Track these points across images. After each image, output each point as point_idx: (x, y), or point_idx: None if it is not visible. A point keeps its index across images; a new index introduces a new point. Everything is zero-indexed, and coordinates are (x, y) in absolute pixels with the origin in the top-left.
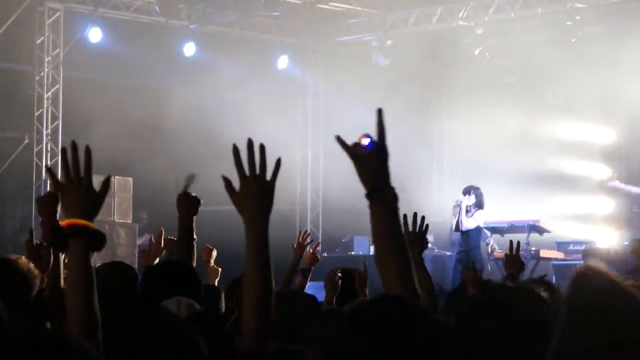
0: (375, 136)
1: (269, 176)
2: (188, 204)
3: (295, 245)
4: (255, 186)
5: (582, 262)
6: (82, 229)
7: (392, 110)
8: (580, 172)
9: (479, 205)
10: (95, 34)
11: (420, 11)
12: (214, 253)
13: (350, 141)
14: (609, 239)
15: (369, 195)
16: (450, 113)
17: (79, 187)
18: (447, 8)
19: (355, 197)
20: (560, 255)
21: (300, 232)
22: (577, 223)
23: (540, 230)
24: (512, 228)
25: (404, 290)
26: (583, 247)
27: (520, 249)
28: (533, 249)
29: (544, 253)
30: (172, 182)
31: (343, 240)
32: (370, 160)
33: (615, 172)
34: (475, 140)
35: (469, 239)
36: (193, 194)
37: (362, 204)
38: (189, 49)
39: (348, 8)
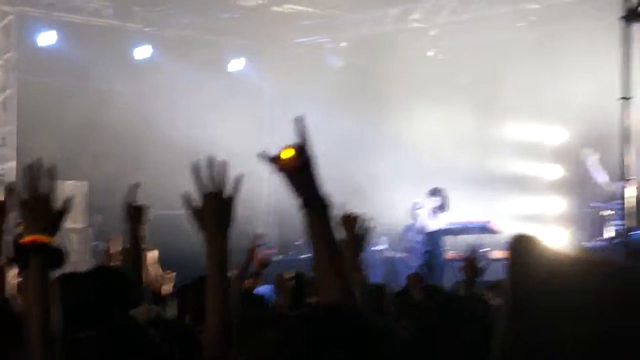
0: (297, 146)
1: (229, 192)
2: (134, 213)
3: (247, 248)
4: (214, 202)
5: None
6: (42, 245)
7: (347, 111)
8: (532, 172)
9: (444, 207)
10: (49, 37)
11: (374, 12)
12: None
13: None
14: (560, 239)
15: (300, 206)
16: (404, 114)
17: (41, 204)
18: (401, 9)
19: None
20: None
21: (254, 235)
22: (529, 223)
23: (492, 231)
24: (464, 229)
25: (338, 293)
26: None
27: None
28: (485, 250)
29: (495, 254)
30: (126, 185)
31: (297, 242)
32: (297, 171)
33: (569, 170)
34: (429, 141)
35: (433, 240)
36: (138, 203)
37: None
38: (144, 52)
39: (302, 10)
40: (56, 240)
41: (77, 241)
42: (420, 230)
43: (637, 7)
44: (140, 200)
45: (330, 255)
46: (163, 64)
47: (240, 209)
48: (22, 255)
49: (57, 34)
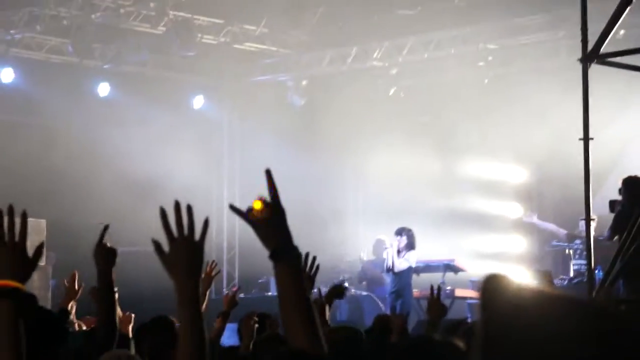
0: (268, 198)
1: (197, 236)
2: (105, 255)
3: (202, 276)
4: (184, 248)
5: None
6: (14, 290)
7: (309, 150)
8: (494, 211)
9: (411, 246)
10: (7, 75)
11: (335, 51)
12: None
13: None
14: (522, 277)
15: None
16: (366, 152)
17: (13, 251)
18: (362, 48)
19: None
20: (475, 294)
21: (207, 262)
22: (491, 261)
23: (456, 270)
24: (428, 267)
25: (309, 343)
26: None
27: (424, 288)
28: (448, 288)
29: (459, 292)
30: (82, 224)
31: (260, 280)
32: (269, 223)
33: (530, 208)
34: (391, 179)
35: (401, 279)
36: (109, 245)
37: None
38: (103, 89)
39: (263, 48)
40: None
41: (37, 279)
42: (388, 270)
43: (595, 48)
44: (106, 241)
45: (299, 305)
46: (121, 100)
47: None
48: None
49: (15, 71)
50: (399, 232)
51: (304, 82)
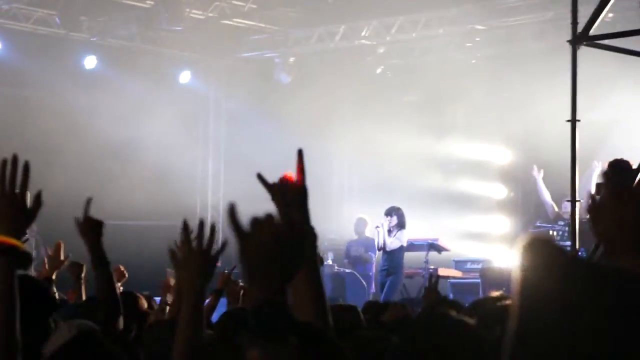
0: (295, 176)
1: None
2: (92, 228)
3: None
4: (200, 259)
5: (479, 280)
6: (10, 247)
7: (294, 127)
8: (479, 191)
9: (401, 225)
10: None
11: (323, 29)
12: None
13: (252, 156)
14: (505, 258)
15: None
16: (352, 130)
17: (12, 203)
18: (350, 27)
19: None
20: (458, 273)
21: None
22: (475, 242)
23: (439, 249)
24: (412, 246)
25: (315, 317)
26: (480, 266)
27: (419, 267)
28: (432, 267)
29: (442, 271)
30: (70, 195)
31: None
32: (291, 199)
33: (515, 189)
34: (377, 157)
35: (393, 258)
36: (94, 218)
37: None
38: (90, 62)
39: (251, 24)
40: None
41: None
42: (380, 249)
43: (584, 31)
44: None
45: (310, 281)
46: (108, 74)
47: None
48: None
49: (2, 42)
50: (389, 212)
51: (291, 59)
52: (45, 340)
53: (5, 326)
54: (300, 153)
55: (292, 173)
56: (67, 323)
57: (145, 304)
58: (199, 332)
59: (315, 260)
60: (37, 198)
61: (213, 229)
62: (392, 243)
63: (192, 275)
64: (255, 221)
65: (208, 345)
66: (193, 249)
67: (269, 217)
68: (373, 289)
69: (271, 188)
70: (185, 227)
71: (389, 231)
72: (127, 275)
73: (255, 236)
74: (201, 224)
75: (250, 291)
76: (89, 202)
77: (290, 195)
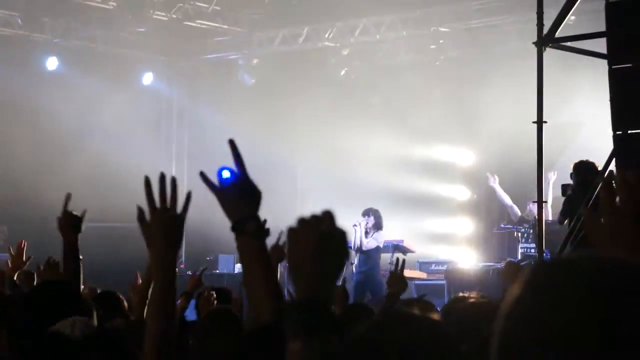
0: (234, 167)
1: (179, 210)
2: (71, 223)
3: None
4: (166, 218)
5: (444, 282)
6: None
7: (257, 129)
8: (443, 193)
9: (378, 226)
10: None
11: (286, 31)
12: None
13: (215, 158)
14: (469, 259)
15: (233, 228)
16: (316, 132)
17: (166, 217)
18: (314, 28)
19: (220, 215)
20: (422, 275)
21: None
22: (439, 243)
23: (404, 250)
24: (377, 248)
25: (269, 314)
26: (444, 267)
27: (384, 269)
28: (393, 267)
29: (406, 273)
30: (32, 196)
31: (208, 258)
32: (233, 193)
33: (478, 192)
34: (341, 160)
35: (369, 259)
36: (74, 213)
37: (227, 222)
38: (52, 63)
39: (215, 26)
40: None
41: None
42: (357, 250)
43: (550, 32)
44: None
45: (262, 277)
46: (70, 75)
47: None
48: None
49: None
50: (366, 212)
51: (254, 61)
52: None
53: None
54: (232, 143)
55: (226, 168)
56: (69, 320)
57: (126, 305)
58: (171, 313)
59: (263, 255)
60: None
61: (174, 183)
62: (369, 243)
63: (160, 241)
64: (302, 222)
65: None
66: (156, 209)
67: (314, 218)
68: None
69: (212, 187)
70: (147, 183)
71: (366, 232)
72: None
73: (301, 236)
74: (162, 179)
75: (295, 288)
76: (68, 197)
77: (229, 190)
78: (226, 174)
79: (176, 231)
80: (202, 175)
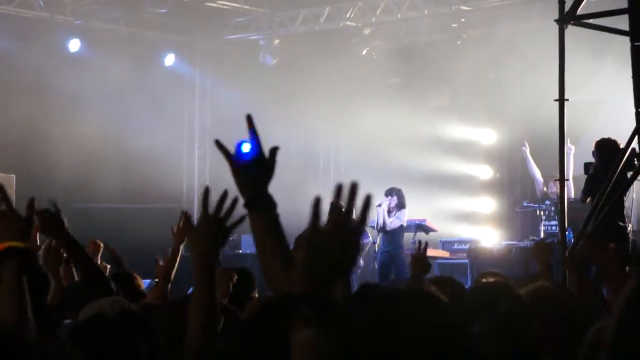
0: (250, 143)
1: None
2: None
3: (175, 230)
4: (215, 225)
5: (466, 260)
6: (18, 250)
7: (279, 109)
8: (464, 172)
9: (401, 205)
10: None
11: (308, 11)
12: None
13: (235, 140)
14: (491, 238)
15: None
16: (337, 112)
17: (212, 223)
18: (335, 8)
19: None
20: (445, 254)
21: (180, 217)
22: (462, 222)
23: (427, 230)
24: (400, 227)
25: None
26: (467, 246)
27: (407, 248)
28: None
29: (429, 252)
30: (55, 178)
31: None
32: (249, 169)
33: (500, 170)
34: (363, 139)
35: (393, 239)
36: (41, 209)
37: None
38: (74, 45)
39: (236, 7)
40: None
41: None
42: (379, 230)
43: (572, 10)
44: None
45: (276, 253)
46: (92, 57)
47: (175, 203)
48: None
49: None
50: (389, 192)
51: (276, 42)
52: None
53: (23, 324)
54: (249, 118)
55: (244, 143)
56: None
57: (142, 284)
58: (213, 298)
59: (277, 231)
60: (30, 206)
61: (235, 202)
62: (392, 223)
63: (205, 239)
64: (335, 218)
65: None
66: (209, 215)
67: (340, 214)
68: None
69: (229, 158)
70: (206, 192)
71: (389, 211)
72: (102, 247)
73: (326, 235)
74: (223, 196)
75: (303, 279)
76: (31, 201)
77: (245, 166)
78: (246, 147)
79: (222, 237)
80: (218, 143)
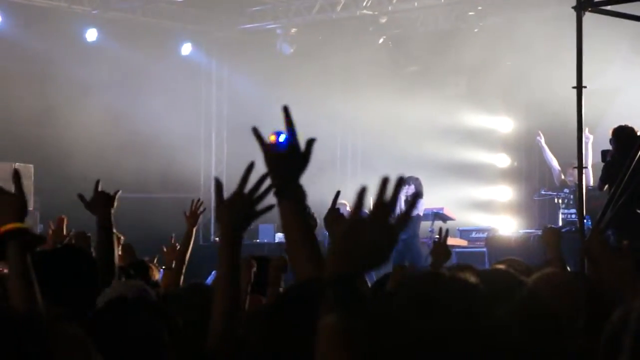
0: (286, 134)
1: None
2: (102, 202)
3: (187, 214)
4: (247, 203)
5: (484, 249)
6: (20, 230)
7: (296, 98)
8: (482, 160)
9: (419, 194)
10: None
11: None
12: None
13: (254, 125)
14: (509, 227)
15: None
16: (354, 101)
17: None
18: None
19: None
20: (463, 242)
21: (192, 200)
22: (479, 211)
23: (444, 218)
24: (417, 216)
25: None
26: (485, 235)
27: (425, 236)
28: (437, 236)
29: (448, 241)
30: (72, 167)
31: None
32: (283, 159)
33: (518, 158)
34: (380, 128)
35: (408, 228)
36: (106, 192)
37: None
38: (91, 34)
39: None
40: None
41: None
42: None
43: None
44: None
45: (304, 241)
46: (109, 46)
47: (193, 193)
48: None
49: (2, 16)
50: (407, 180)
51: (293, 30)
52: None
53: (30, 303)
54: (286, 110)
55: (280, 133)
56: (123, 281)
57: (156, 274)
58: (237, 287)
59: (305, 220)
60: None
61: (268, 190)
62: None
63: (234, 212)
64: (378, 210)
65: None
66: (243, 193)
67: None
68: None
69: (265, 146)
70: (250, 167)
71: (406, 200)
72: (122, 240)
73: (367, 224)
74: (263, 177)
75: (334, 263)
76: (98, 183)
77: (280, 155)
78: (282, 138)
79: (251, 216)
80: (255, 131)
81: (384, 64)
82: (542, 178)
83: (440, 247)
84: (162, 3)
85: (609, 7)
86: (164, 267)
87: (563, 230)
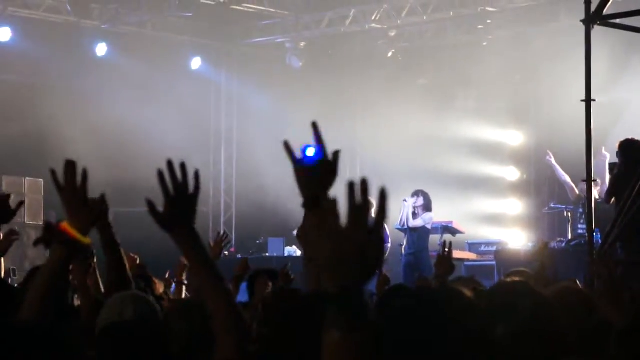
0: (315, 147)
1: (191, 190)
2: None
3: (212, 244)
4: (179, 201)
5: (494, 262)
6: (74, 241)
7: (307, 112)
8: (492, 173)
9: (427, 208)
10: (4, 34)
11: (333, 13)
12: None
13: (263, 142)
14: (519, 240)
15: (304, 205)
16: (363, 114)
17: (85, 203)
18: (360, 10)
19: (269, 199)
20: (472, 256)
21: (218, 233)
22: (488, 224)
23: (453, 232)
24: (425, 229)
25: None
26: (494, 248)
27: (434, 250)
28: (446, 250)
29: (456, 254)
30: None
31: (257, 241)
32: (312, 171)
33: (527, 172)
34: (389, 141)
35: (419, 241)
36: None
37: (276, 206)
38: (101, 49)
39: (261, 10)
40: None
41: (35, 236)
42: (403, 225)
43: (598, 10)
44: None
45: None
46: (119, 61)
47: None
48: (51, 235)
49: (13, 30)
50: (416, 193)
51: (302, 44)
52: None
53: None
54: (314, 125)
55: (310, 146)
56: (120, 296)
57: (160, 288)
58: (221, 285)
59: None
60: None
61: (183, 167)
62: (416, 221)
63: (176, 223)
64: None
65: None
66: (170, 194)
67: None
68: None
69: (294, 159)
70: (161, 175)
71: (414, 213)
72: (138, 261)
73: (346, 232)
74: (170, 166)
75: (331, 278)
76: (102, 197)
77: (310, 168)
78: (311, 151)
79: (190, 210)
80: (286, 145)
81: (393, 78)
82: (552, 191)
83: (444, 260)
84: (172, 17)
85: (617, 21)
86: (175, 279)
87: (572, 243)
